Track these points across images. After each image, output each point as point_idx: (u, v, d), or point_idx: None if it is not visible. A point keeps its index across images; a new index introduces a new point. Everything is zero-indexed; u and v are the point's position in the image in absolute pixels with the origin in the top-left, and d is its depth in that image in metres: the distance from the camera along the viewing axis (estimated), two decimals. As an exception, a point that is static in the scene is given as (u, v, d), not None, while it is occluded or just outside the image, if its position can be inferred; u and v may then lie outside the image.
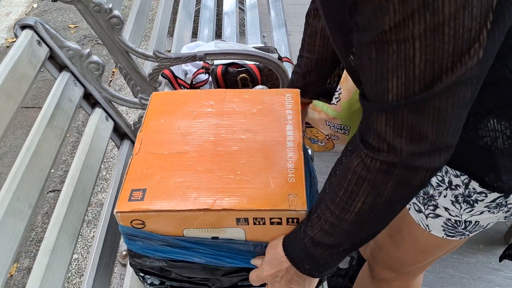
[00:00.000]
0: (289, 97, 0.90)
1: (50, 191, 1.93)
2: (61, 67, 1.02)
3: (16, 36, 0.93)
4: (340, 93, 1.29)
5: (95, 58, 1.02)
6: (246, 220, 0.71)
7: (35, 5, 3.13)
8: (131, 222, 0.71)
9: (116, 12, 1.18)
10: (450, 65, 0.46)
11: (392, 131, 0.52)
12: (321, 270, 0.69)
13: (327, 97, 1.00)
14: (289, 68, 1.45)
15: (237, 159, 0.77)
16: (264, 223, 0.71)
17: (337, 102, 1.32)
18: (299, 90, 0.94)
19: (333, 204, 0.62)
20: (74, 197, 0.91)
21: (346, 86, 1.26)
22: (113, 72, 2.52)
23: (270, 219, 0.70)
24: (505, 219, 0.77)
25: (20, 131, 2.22)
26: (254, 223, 0.71)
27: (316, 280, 0.74)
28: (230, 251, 0.75)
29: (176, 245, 0.72)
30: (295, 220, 0.70)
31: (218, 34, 1.95)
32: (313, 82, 0.95)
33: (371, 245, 1.05)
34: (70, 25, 2.91)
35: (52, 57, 0.99)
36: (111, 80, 2.49)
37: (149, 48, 1.53)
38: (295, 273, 0.70)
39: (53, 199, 1.91)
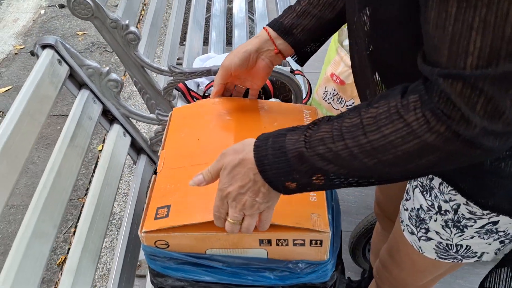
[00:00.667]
0: (307, 114, 0.91)
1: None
2: (80, 84, 1.03)
3: (37, 56, 0.94)
4: (354, 102, 1.30)
5: (114, 76, 1.03)
6: (269, 241, 0.71)
7: (42, 12, 3.14)
8: (154, 242, 0.72)
9: (132, 28, 1.19)
10: None
11: (466, 101, 0.46)
12: (289, 184, 0.59)
13: (302, 56, 0.85)
14: (301, 81, 1.45)
15: None
16: (287, 244, 0.71)
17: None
18: (317, 109, 0.94)
19: (354, 141, 0.53)
20: (95, 216, 0.92)
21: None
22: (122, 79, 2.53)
23: (293, 240, 0.71)
24: (498, 251, 0.77)
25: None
26: (277, 244, 0.71)
27: (278, 195, 0.63)
28: (252, 270, 0.75)
29: (199, 265, 0.73)
30: (318, 241, 0.70)
31: (228, 41, 1.96)
32: (304, 28, 0.80)
33: (376, 264, 1.05)
34: (78, 32, 2.93)
35: (72, 75, 1.00)
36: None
37: (162, 59, 1.54)
38: (263, 183, 0.60)
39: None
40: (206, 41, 1.87)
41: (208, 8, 2.08)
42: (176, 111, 0.93)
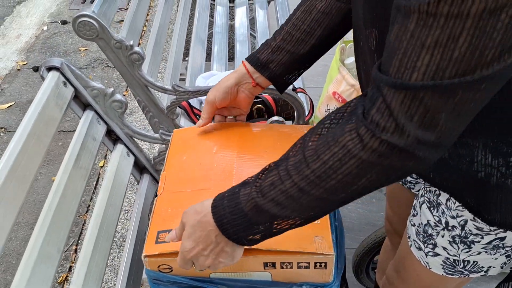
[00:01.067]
0: None
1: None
2: (85, 105, 1.04)
3: (43, 78, 0.95)
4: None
5: (118, 96, 1.04)
6: (274, 264, 0.71)
7: (45, 28, 3.17)
8: (158, 266, 0.72)
9: (137, 49, 1.20)
10: (492, 56, 0.43)
11: (405, 111, 0.47)
12: (253, 237, 0.61)
13: (280, 87, 0.88)
14: (303, 99, 1.46)
15: None
16: (291, 267, 0.71)
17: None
18: None
19: (299, 175, 0.55)
20: (99, 236, 0.92)
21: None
22: (124, 95, 2.54)
23: (298, 263, 0.71)
24: (504, 265, 0.77)
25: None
26: (282, 267, 0.71)
27: (242, 249, 0.65)
28: None
29: None
30: (322, 264, 0.71)
31: (230, 57, 1.98)
32: (279, 63, 0.83)
33: (383, 281, 1.05)
34: (80, 48, 2.95)
35: (77, 96, 1.01)
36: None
37: (165, 76, 1.55)
38: (226, 243, 0.62)
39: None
40: (208, 57, 1.89)
41: (210, 24, 2.10)
42: (176, 133, 0.94)
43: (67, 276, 1.69)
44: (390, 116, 0.48)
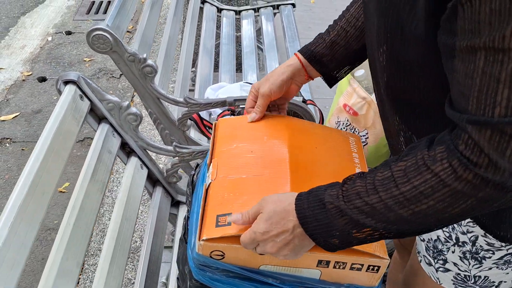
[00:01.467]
0: (353, 141, 0.91)
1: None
2: (100, 118, 1.04)
3: (60, 92, 0.95)
4: (367, 137, 1.31)
5: (133, 110, 1.04)
6: (328, 263, 0.71)
7: (49, 38, 3.18)
8: (211, 252, 0.70)
9: (150, 62, 1.20)
10: None
11: (495, 147, 0.47)
12: (331, 240, 0.61)
13: (330, 81, 0.90)
14: (313, 111, 1.46)
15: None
16: (344, 268, 0.71)
17: (364, 146, 1.34)
18: (360, 138, 0.94)
19: (387, 193, 0.56)
20: (115, 252, 0.91)
21: (374, 131, 1.28)
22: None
23: (352, 264, 0.71)
24: None
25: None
26: (334, 267, 0.71)
27: (308, 248, 0.66)
28: None
29: (251, 280, 0.72)
30: (375, 268, 0.71)
31: (238, 69, 1.99)
32: (332, 57, 0.85)
33: None
34: (85, 59, 2.96)
35: (92, 109, 1.01)
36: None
37: (175, 88, 1.56)
38: (299, 236, 0.63)
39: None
40: (216, 68, 1.90)
41: (217, 36, 2.11)
42: (222, 122, 0.92)
43: (74, 288, 1.67)
44: (481, 153, 0.48)
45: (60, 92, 0.94)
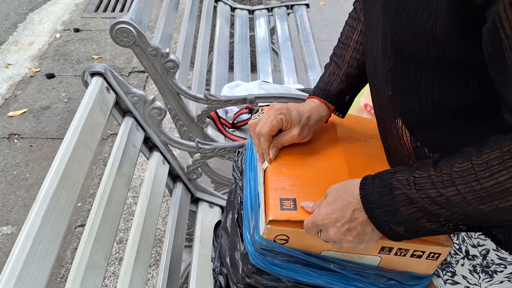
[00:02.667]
0: None
1: (79, 226, 1.90)
2: (124, 112, 1.03)
3: (86, 83, 0.94)
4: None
5: (158, 104, 1.03)
6: (390, 249, 0.70)
7: (57, 35, 3.17)
8: (275, 236, 0.69)
9: (172, 57, 1.19)
10: None
11: None
12: (396, 228, 0.59)
13: (343, 111, 0.87)
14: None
15: None
16: (405, 255, 0.70)
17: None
18: None
19: (466, 187, 0.53)
20: (140, 246, 0.90)
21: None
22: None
23: (414, 251, 0.70)
24: None
25: (46, 162, 2.21)
26: (396, 253, 0.70)
27: (375, 241, 0.64)
28: (364, 277, 0.73)
29: (312, 265, 0.71)
30: (435, 255, 0.70)
31: (252, 68, 1.98)
32: (349, 88, 0.83)
33: None
34: (94, 56, 2.95)
35: (117, 102, 1.00)
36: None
37: (192, 87, 1.54)
38: (362, 222, 0.61)
39: (82, 234, 1.89)
40: (231, 67, 1.89)
41: (231, 35, 2.11)
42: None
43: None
44: None
45: (86, 84, 0.93)
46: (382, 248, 0.69)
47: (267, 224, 0.68)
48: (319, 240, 0.67)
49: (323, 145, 0.82)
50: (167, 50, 1.18)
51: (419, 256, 0.70)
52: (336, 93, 0.82)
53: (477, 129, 0.61)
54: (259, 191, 0.76)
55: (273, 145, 0.78)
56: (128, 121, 1.01)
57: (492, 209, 0.53)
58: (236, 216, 0.81)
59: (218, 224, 0.98)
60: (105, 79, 0.95)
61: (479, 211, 0.54)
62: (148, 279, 1.64)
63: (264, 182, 0.75)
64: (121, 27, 1.12)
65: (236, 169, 0.87)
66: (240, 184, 0.84)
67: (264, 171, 0.77)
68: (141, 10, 1.23)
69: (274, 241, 0.70)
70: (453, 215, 0.56)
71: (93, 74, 0.94)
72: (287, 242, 0.70)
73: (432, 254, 0.70)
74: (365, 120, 0.94)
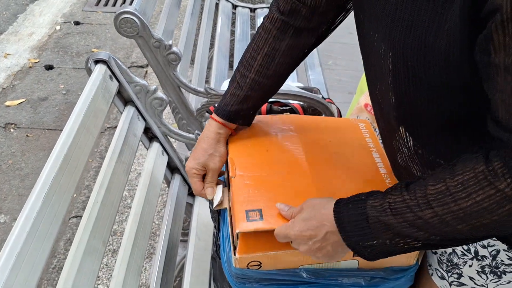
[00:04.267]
0: (363, 127, 0.92)
1: (73, 217, 1.90)
2: (126, 101, 1.03)
3: (90, 70, 0.94)
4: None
5: (160, 94, 1.03)
6: None
7: (58, 27, 3.16)
8: (248, 264, 0.70)
9: (175, 49, 1.20)
10: None
11: None
12: (372, 250, 0.61)
13: (248, 122, 0.88)
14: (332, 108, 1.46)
15: (337, 184, 0.77)
16: None
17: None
18: (369, 121, 0.94)
19: (443, 209, 0.54)
20: (138, 234, 0.90)
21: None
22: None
23: None
24: None
25: (42, 153, 2.21)
26: None
27: (343, 254, 0.67)
28: (345, 283, 0.74)
29: (292, 282, 0.72)
30: None
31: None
32: (249, 108, 0.83)
33: None
34: (93, 50, 2.94)
35: (119, 91, 1.00)
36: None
37: (193, 81, 1.55)
38: (333, 243, 0.63)
39: (75, 225, 1.88)
40: (231, 64, 1.90)
41: (232, 32, 2.11)
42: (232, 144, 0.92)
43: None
44: None
45: (90, 71, 0.93)
46: None
47: (235, 256, 0.69)
48: (293, 256, 0.70)
49: (286, 149, 0.84)
50: (170, 42, 1.19)
51: None
52: (234, 111, 0.82)
53: (469, 138, 0.63)
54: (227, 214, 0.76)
55: (206, 186, 0.82)
56: (129, 110, 1.01)
57: (469, 228, 0.55)
58: (214, 248, 0.82)
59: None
60: (108, 67, 0.95)
61: (457, 231, 0.56)
62: (141, 272, 1.64)
63: (230, 199, 0.76)
64: (125, 17, 1.13)
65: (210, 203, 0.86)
66: (216, 216, 0.85)
67: (229, 189, 0.78)
68: (145, 2, 1.23)
69: (248, 268, 0.71)
70: (430, 236, 0.57)
71: (97, 62, 0.95)
72: (261, 266, 0.71)
73: None
74: (326, 120, 0.95)
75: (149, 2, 1.26)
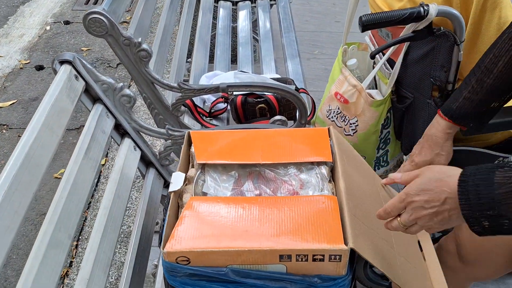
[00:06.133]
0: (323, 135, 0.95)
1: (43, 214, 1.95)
2: (95, 99, 1.06)
3: (55, 71, 0.97)
4: (357, 125, 1.33)
5: (127, 91, 1.06)
6: (289, 257, 0.73)
7: (48, 28, 3.19)
8: (176, 258, 0.74)
9: (145, 46, 1.23)
10: None
11: None
12: (493, 222, 0.59)
13: (480, 126, 0.90)
14: (305, 99, 1.49)
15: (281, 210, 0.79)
16: (306, 260, 0.73)
17: (353, 133, 1.36)
18: (333, 129, 0.96)
19: None
20: (107, 227, 0.94)
21: (364, 119, 1.31)
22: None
23: (313, 256, 0.73)
24: None
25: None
26: (297, 260, 0.73)
27: (454, 224, 0.66)
28: (274, 281, 0.76)
29: (219, 280, 0.75)
30: (337, 257, 0.72)
31: (233, 59, 2.01)
32: (485, 111, 0.85)
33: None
34: (83, 48, 2.98)
35: (87, 90, 1.03)
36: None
37: (170, 76, 1.58)
38: (450, 209, 0.62)
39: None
40: (211, 58, 1.92)
41: (213, 26, 2.14)
42: (194, 134, 0.94)
43: (67, 271, 1.70)
44: None
45: (55, 72, 0.97)
46: (281, 256, 0.72)
47: (163, 249, 0.72)
48: (220, 256, 0.72)
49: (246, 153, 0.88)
50: (140, 39, 1.21)
51: (322, 260, 0.72)
52: (468, 114, 0.86)
53: None
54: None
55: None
56: (97, 108, 1.04)
57: None
58: (159, 240, 0.86)
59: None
60: (73, 67, 0.98)
61: None
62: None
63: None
64: (93, 17, 1.15)
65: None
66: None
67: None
68: (116, 0, 1.26)
69: (177, 262, 0.73)
70: None
71: (62, 62, 0.98)
72: (189, 262, 0.73)
73: (333, 256, 0.72)
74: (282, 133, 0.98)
75: (120, 1, 1.29)
